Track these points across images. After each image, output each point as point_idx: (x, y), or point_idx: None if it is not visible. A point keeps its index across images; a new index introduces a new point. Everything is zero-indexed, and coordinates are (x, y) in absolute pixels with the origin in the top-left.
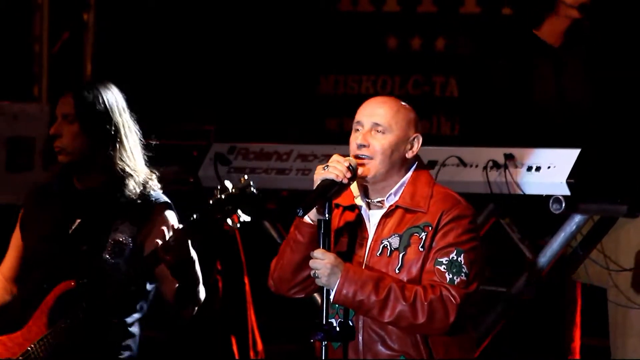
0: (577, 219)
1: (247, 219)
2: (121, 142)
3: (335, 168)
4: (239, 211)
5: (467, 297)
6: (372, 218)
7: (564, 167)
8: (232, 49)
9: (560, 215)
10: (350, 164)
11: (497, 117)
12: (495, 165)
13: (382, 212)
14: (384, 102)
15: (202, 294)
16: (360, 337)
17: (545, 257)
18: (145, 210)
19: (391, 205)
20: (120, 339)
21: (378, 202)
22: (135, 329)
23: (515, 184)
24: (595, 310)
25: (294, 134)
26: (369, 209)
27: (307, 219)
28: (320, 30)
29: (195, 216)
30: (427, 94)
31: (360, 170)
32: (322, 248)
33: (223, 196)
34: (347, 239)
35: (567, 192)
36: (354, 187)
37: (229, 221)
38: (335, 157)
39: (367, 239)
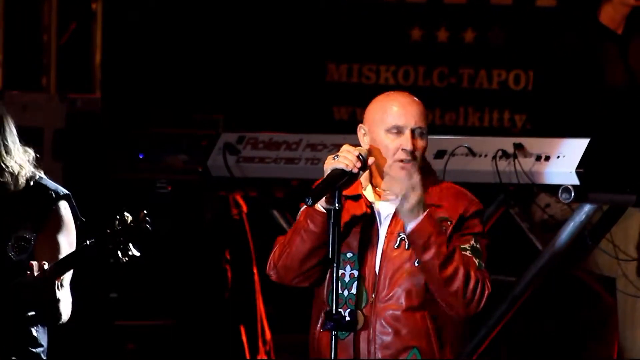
0: (587, 208)
1: (137, 254)
2: None
3: (345, 158)
4: (130, 245)
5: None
6: (382, 210)
7: (573, 156)
8: (242, 38)
9: (569, 204)
10: (360, 154)
11: (572, 104)
12: (505, 154)
13: (394, 204)
14: (413, 101)
15: (64, 316)
16: (372, 329)
17: (554, 246)
18: (45, 203)
19: None
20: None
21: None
22: (41, 327)
23: (524, 173)
24: None
25: (304, 123)
26: (379, 200)
27: (319, 207)
28: (334, 18)
29: (88, 242)
30: (453, 85)
31: (370, 160)
32: (332, 238)
33: (120, 227)
34: (357, 230)
35: (577, 182)
36: (364, 178)
37: (119, 253)
38: (346, 147)
39: (378, 230)
